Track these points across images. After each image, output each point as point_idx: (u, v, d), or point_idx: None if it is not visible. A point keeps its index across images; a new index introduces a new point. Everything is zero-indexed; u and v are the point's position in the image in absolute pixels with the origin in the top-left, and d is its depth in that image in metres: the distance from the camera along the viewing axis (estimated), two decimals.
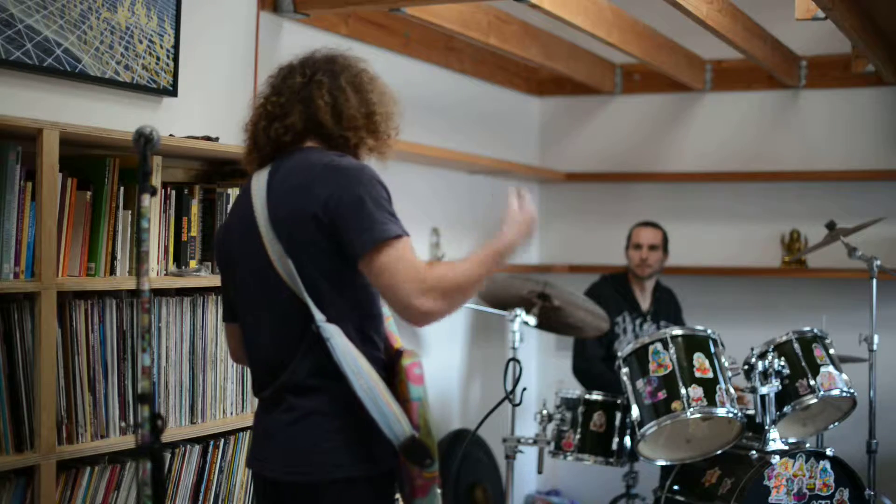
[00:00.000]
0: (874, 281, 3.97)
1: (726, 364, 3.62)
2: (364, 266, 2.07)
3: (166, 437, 2.63)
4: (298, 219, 2.12)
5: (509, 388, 3.73)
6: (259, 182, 2.21)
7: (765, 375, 3.56)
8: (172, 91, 3.14)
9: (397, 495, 2.26)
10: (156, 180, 2.78)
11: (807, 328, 3.74)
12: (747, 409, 3.71)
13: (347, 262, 2.11)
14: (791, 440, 3.64)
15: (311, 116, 2.20)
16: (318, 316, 2.10)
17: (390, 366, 2.23)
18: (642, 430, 3.54)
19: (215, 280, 2.94)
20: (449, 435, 4.80)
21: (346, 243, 2.08)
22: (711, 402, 3.50)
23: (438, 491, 2.20)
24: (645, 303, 4.85)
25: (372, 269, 2.06)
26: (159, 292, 2.84)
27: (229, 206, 2.99)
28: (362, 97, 2.22)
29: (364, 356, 2.12)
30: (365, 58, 2.33)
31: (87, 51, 2.87)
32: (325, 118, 2.20)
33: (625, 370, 3.68)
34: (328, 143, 2.23)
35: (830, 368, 3.66)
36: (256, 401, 3.06)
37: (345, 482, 2.13)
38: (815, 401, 3.61)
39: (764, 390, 3.56)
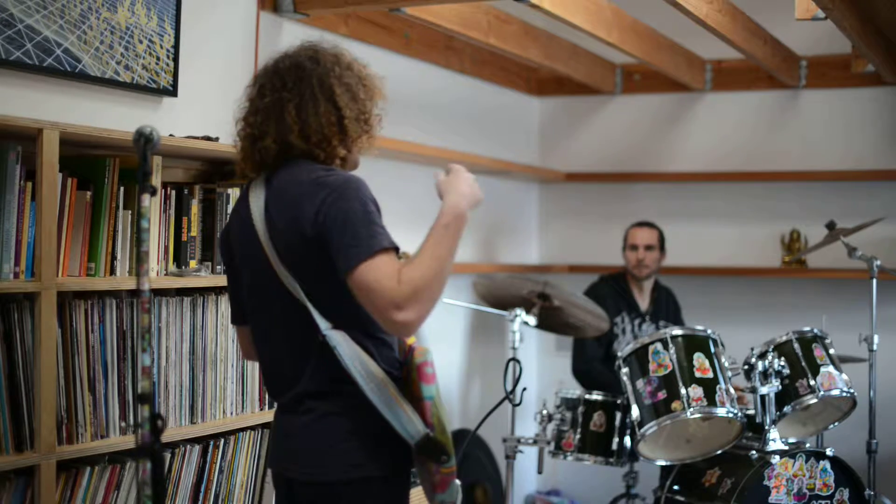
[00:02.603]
0: (874, 281, 3.97)
1: (726, 364, 3.62)
2: (349, 283, 2.06)
3: (166, 437, 2.63)
4: (292, 234, 2.13)
5: (509, 388, 3.73)
6: (256, 193, 2.22)
7: (765, 375, 3.56)
8: (172, 91, 3.14)
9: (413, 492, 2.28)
10: (156, 180, 2.78)
11: (807, 328, 3.74)
12: (747, 409, 3.71)
13: None
14: (791, 440, 3.64)
15: (283, 139, 2.19)
16: (323, 324, 2.11)
17: (405, 363, 2.25)
18: (642, 430, 3.54)
19: (215, 280, 2.95)
20: None
21: (333, 259, 2.08)
22: (711, 402, 3.50)
23: (458, 483, 2.21)
24: (644, 303, 4.85)
25: (353, 286, 2.05)
26: (159, 292, 2.84)
27: (229, 206, 3.00)
28: (332, 103, 2.19)
29: (374, 359, 2.13)
30: (336, 43, 2.29)
31: (87, 51, 2.87)
32: (295, 140, 2.18)
33: (625, 370, 3.68)
34: (307, 157, 2.22)
35: (830, 368, 3.66)
36: (257, 401, 3.09)
37: (361, 482, 2.14)
38: (815, 401, 3.61)
39: (764, 390, 3.55)
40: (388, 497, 2.19)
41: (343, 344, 2.10)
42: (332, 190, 2.10)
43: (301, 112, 2.18)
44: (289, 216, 2.13)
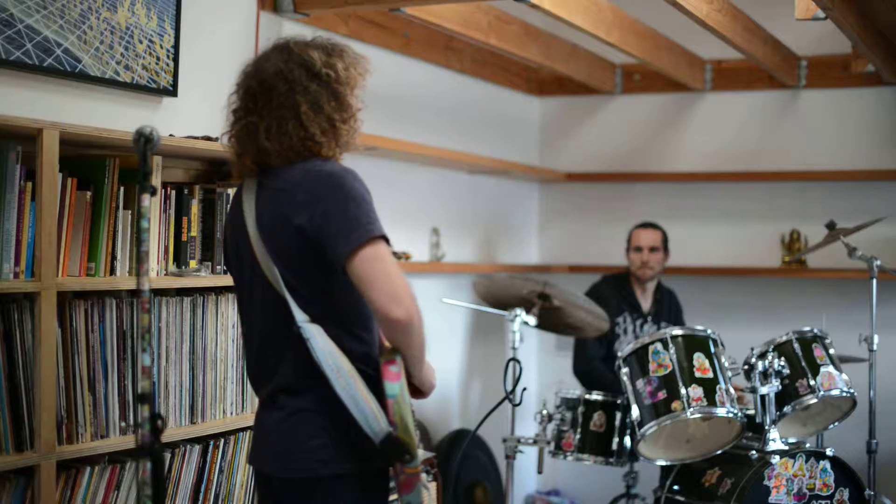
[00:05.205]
0: (874, 281, 3.97)
1: (726, 364, 3.62)
2: (349, 270, 2.10)
3: (166, 437, 2.63)
4: (281, 223, 2.16)
5: (509, 388, 3.73)
6: (249, 186, 2.26)
7: (765, 375, 3.56)
8: (172, 91, 3.14)
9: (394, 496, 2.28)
10: (156, 180, 2.78)
11: (807, 328, 3.73)
12: (747, 409, 3.70)
13: (332, 264, 2.13)
14: (791, 440, 3.63)
15: (263, 159, 2.23)
16: (300, 316, 2.14)
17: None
18: (642, 430, 3.54)
19: (215, 280, 2.95)
20: (449, 435, 4.80)
21: (329, 248, 2.11)
22: (711, 402, 3.50)
23: (427, 486, 2.22)
24: (646, 304, 4.85)
25: (353, 272, 2.09)
26: (159, 292, 2.84)
27: (229, 206, 3.00)
28: (298, 121, 2.20)
29: (350, 355, 2.15)
30: (308, 41, 2.28)
31: (87, 51, 2.87)
32: (274, 160, 2.22)
33: (625, 370, 3.68)
34: None
35: (830, 368, 3.66)
36: (256, 401, 3.08)
37: (334, 479, 2.16)
38: (815, 401, 3.61)
39: (764, 390, 3.55)
40: (362, 495, 2.20)
41: (317, 337, 2.12)
42: (329, 180, 2.14)
43: (270, 135, 2.20)
44: (280, 205, 2.17)
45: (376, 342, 2.26)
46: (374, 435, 2.11)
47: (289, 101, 2.20)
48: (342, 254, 2.08)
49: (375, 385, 2.16)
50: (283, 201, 2.16)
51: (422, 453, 2.25)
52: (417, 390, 2.33)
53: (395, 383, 2.16)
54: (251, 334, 2.29)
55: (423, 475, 2.21)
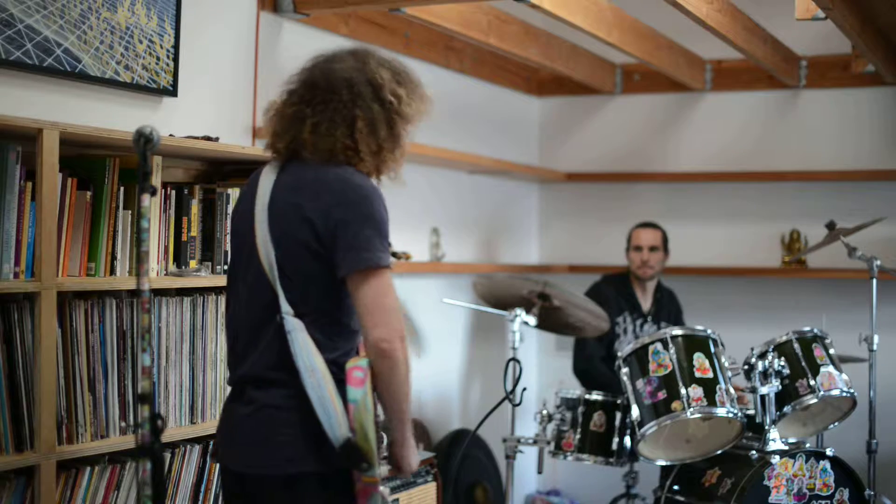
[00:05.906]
0: (874, 281, 3.97)
1: (726, 364, 3.62)
2: (349, 285, 2.13)
3: (166, 437, 2.64)
4: (296, 216, 2.16)
5: (509, 388, 3.73)
6: (270, 172, 2.26)
7: (765, 375, 3.56)
8: (172, 91, 3.14)
9: None
10: (156, 180, 2.78)
11: (807, 328, 3.74)
12: (747, 409, 3.71)
13: (332, 270, 2.15)
14: (791, 440, 3.64)
15: (296, 148, 2.23)
16: (285, 308, 2.14)
17: None
18: (642, 430, 3.54)
19: (215, 280, 2.95)
20: (449, 435, 4.80)
21: (337, 257, 2.13)
22: (711, 402, 3.50)
23: (387, 499, 2.21)
24: (646, 303, 4.85)
25: (354, 291, 2.12)
26: (159, 292, 2.84)
27: (229, 206, 3.00)
28: (349, 132, 2.20)
29: (333, 353, 2.16)
30: (391, 59, 2.29)
31: (87, 51, 2.87)
32: (307, 155, 2.22)
33: (625, 370, 3.68)
34: None
35: (830, 368, 3.66)
36: None
37: (298, 478, 2.15)
38: (815, 401, 3.61)
39: (764, 390, 3.56)
40: (326, 495, 2.17)
41: (298, 331, 2.13)
42: (358, 193, 2.16)
43: (316, 133, 2.21)
44: (299, 198, 2.17)
45: (351, 352, 2.25)
46: (335, 439, 2.11)
47: (347, 111, 2.21)
48: (347, 268, 2.12)
49: (342, 388, 2.16)
50: (304, 193, 2.16)
51: (383, 470, 2.22)
52: (397, 465, 2.32)
53: (357, 388, 2.14)
54: (233, 317, 2.30)
55: (384, 488, 2.19)
